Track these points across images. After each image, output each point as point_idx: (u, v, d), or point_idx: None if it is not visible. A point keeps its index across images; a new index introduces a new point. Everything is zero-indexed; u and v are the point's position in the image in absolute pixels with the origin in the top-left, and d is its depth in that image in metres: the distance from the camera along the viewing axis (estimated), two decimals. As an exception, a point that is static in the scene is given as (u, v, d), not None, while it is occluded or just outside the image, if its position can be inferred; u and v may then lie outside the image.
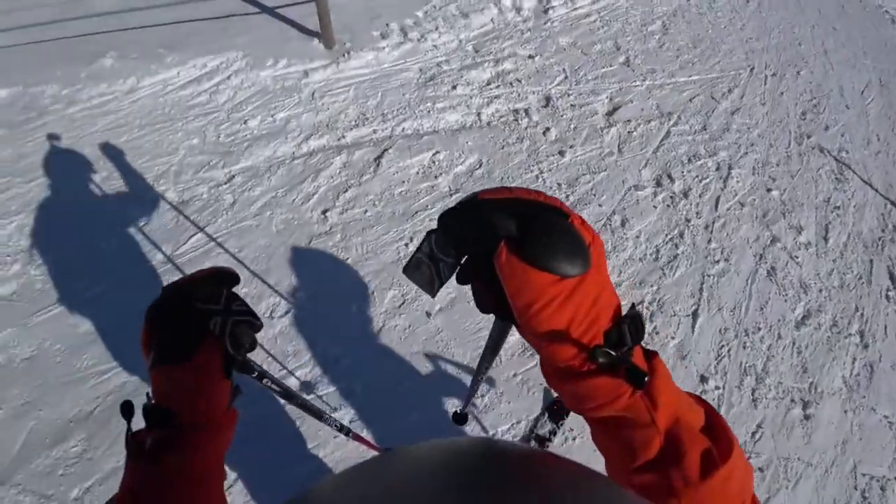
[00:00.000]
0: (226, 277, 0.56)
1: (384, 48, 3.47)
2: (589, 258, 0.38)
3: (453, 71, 3.41)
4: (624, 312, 0.41)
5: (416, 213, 2.56)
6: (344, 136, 2.91)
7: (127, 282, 2.32)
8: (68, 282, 2.32)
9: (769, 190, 3.44)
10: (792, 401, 2.23)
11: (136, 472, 0.49)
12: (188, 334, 0.51)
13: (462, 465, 0.32)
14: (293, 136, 2.94)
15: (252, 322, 0.55)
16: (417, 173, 2.72)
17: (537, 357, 0.86)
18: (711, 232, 2.95)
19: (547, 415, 2.09)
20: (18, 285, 2.30)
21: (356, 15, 3.82)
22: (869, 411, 2.32)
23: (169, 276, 2.33)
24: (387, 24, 3.72)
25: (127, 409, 0.52)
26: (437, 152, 2.83)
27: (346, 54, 3.38)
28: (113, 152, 2.80)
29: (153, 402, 0.50)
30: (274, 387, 0.72)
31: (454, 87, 3.24)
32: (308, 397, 1.82)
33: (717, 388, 2.24)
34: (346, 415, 1.97)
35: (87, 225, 2.52)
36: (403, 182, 2.67)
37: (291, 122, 3.04)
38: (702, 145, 3.59)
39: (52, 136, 2.88)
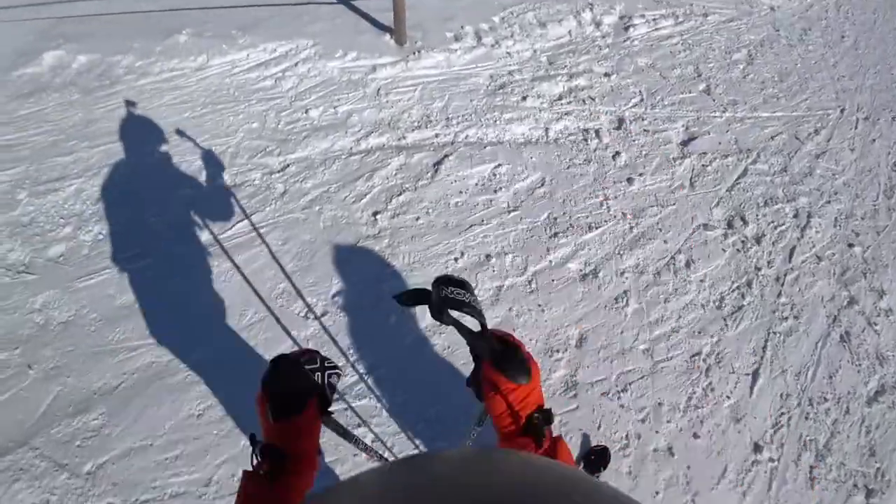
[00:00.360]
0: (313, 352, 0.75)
1: (456, 50, 3.36)
2: (530, 376, 0.65)
3: (525, 81, 3.26)
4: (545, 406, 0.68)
5: (471, 226, 2.42)
6: (405, 137, 2.81)
7: (171, 258, 2.29)
8: (114, 252, 2.31)
9: (851, 245, 3.10)
10: (854, 486, 1.96)
11: (256, 487, 0.64)
12: (301, 394, 0.68)
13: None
14: (353, 130, 2.87)
15: (339, 372, 0.76)
16: (476, 184, 2.58)
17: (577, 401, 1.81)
18: (783, 285, 2.67)
19: (583, 464, 1.91)
20: (67, 249, 2.30)
21: (431, 14, 3.73)
22: None
23: (213, 260, 2.29)
24: (461, 27, 3.61)
25: (253, 440, 0.67)
26: (500, 165, 2.68)
27: (416, 52, 3.29)
28: (175, 128, 2.80)
29: (266, 442, 0.66)
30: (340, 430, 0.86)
31: (524, 99, 3.09)
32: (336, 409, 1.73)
33: (771, 460, 1.99)
34: (368, 433, 1.85)
35: (140, 197, 2.51)
36: (461, 192, 2.54)
37: (353, 116, 2.96)
38: (780, 188, 3.28)
39: (121, 106, 2.92)
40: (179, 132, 2.78)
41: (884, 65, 5.61)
